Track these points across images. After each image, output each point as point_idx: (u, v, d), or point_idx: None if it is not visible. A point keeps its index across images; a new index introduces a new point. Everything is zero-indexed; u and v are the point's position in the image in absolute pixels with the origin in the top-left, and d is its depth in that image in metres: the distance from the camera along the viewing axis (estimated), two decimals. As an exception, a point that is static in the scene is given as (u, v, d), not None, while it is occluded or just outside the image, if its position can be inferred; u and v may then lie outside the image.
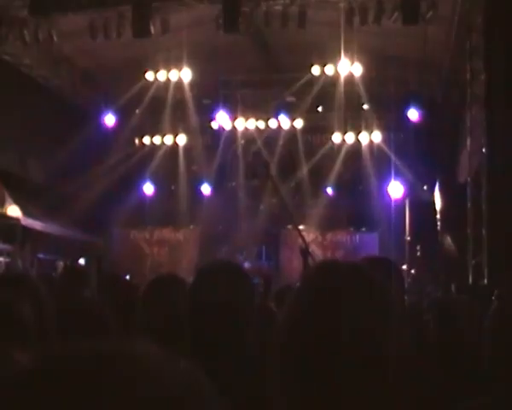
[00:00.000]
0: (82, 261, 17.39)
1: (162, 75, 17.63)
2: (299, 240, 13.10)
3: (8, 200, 15.65)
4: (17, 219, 15.69)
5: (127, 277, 12.64)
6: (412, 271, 15.39)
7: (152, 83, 17.78)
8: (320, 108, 18.27)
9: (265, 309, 4.00)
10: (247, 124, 18.76)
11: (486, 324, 3.72)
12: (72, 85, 17.48)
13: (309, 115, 18.26)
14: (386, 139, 17.85)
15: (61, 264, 16.20)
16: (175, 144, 19.11)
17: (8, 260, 15.58)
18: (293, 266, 14.54)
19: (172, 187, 19.32)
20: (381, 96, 16.81)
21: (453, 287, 12.99)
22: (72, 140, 16.45)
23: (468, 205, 13.95)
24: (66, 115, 17.11)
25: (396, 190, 17.50)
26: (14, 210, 15.61)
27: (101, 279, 9.14)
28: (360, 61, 16.28)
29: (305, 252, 10.26)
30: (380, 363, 1.59)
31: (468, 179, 14.11)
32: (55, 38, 14.45)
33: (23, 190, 15.96)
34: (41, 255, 17.05)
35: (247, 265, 16.90)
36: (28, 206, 16.02)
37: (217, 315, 2.52)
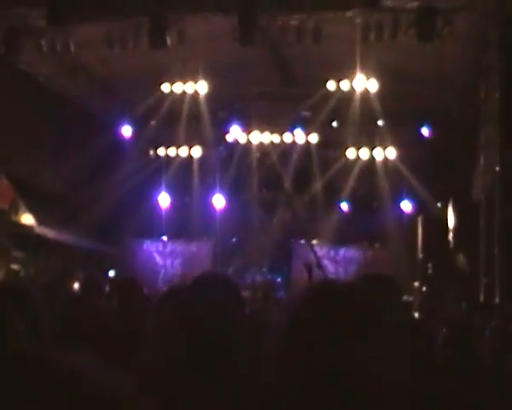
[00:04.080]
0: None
1: (178, 87, 17.68)
2: (311, 254, 13.11)
3: (23, 208, 15.73)
4: (31, 228, 15.77)
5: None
6: (423, 288, 15.34)
7: (168, 95, 17.83)
8: (335, 123, 18.25)
9: (260, 323, 3.97)
10: (261, 137, 18.79)
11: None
12: (89, 95, 17.57)
13: (324, 130, 18.26)
14: (400, 156, 17.82)
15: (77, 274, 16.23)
16: (190, 156, 19.14)
17: (20, 268, 15.66)
18: (304, 279, 14.51)
19: (186, 199, 19.34)
20: (396, 113, 16.78)
21: (464, 305, 12.95)
22: (87, 150, 16.54)
23: (481, 223, 13.90)
24: (81, 125, 17.21)
25: (409, 206, 17.49)
26: (27, 218, 15.69)
27: (117, 288, 9.17)
28: (375, 77, 16.29)
29: (309, 267, 10.22)
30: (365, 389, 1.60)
31: (481, 197, 14.07)
32: (72, 48, 14.55)
33: (38, 198, 16.04)
34: (54, 264, 17.12)
35: (258, 278, 16.92)
36: (42, 214, 16.10)
37: (205, 331, 2.51)
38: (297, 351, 1.66)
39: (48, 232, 16.29)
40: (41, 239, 16.10)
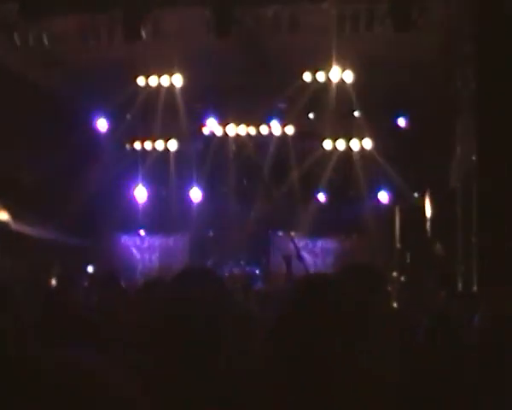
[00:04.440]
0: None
1: (153, 80, 17.63)
2: (289, 246, 13.09)
3: (-2, 204, 15.61)
4: (6, 224, 15.64)
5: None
6: (402, 278, 15.39)
7: (143, 88, 17.76)
8: (311, 115, 18.26)
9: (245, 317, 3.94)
10: (238, 129, 18.74)
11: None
12: (64, 89, 17.42)
13: (300, 122, 18.25)
14: (376, 146, 17.86)
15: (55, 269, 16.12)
16: (166, 150, 19.05)
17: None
18: (283, 271, 14.52)
19: (163, 192, 19.26)
20: (373, 103, 16.81)
21: (443, 294, 12.99)
22: (63, 144, 16.43)
23: (458, 212, 13.97)
24: (56, 119, 17.07)
25: (386, 197, 17.55)
26: (2, 215, 15.56)
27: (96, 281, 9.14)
28: (352, 68, 16.32)
29: (288, 259, 10.21)
30: (352, 376, 1.58)
31: (458, 186, 14.13)
32: (45, 42, 14.43)
33: (13, 194, 15.90)
34: (32, 260, 16.99)
35: (236, 270, 16.92)
36: (18, 210, 15.97)
37: (192, 327, 2.48)
38: (284, 348, 1.64)
39: (24, 228, 16.17)
40: (17, 235, 15.98)
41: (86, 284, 10.79)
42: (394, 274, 15.56)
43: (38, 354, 1.03)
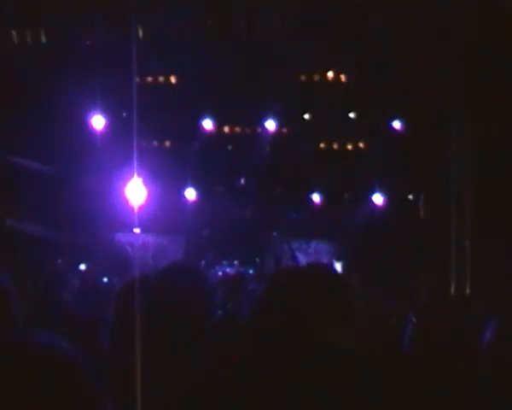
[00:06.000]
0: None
1: (150, 80, 17.66)
2: (283, 247, 13.10)
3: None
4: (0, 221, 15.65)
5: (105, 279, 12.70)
6: (395, 279, 15.41)
7: (140, 87, 17.74)
8: (307, 116, 18.26)
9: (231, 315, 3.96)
10: (233, 130, 18.76)
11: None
12: (60, 85, 17.40)
13: (295, 122, 18.27)
14: (372, 148, 17.87)
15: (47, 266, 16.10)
16: (162, 149, 19.04)
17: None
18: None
19: (158, 191, 19.22)
20: (368, 105, 16.83)
21: (435, 296, 13.03)
22: (58, 141, 16.43)
23: (452, 216, 14.00)
24: (53, 115, 17.06)
25: (380, 199, 17.56)
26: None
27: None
28: (348, 70, 16.34)
29: (278, 259, 10.22)
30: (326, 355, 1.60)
31: (453, 190, 14.16)
32: (43, 39, 14.47)
33: (6, 189, 15.90)
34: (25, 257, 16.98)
35: (229, 271, 16.93)
36: (11, 206, 15.97)
37: (169, 322, 2.48)
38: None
39: (17, 224, 16.18)
40: (10, 231, 15.98)
41: (78, 282, 10.77)
42: (387, 275, 15.59)
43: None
